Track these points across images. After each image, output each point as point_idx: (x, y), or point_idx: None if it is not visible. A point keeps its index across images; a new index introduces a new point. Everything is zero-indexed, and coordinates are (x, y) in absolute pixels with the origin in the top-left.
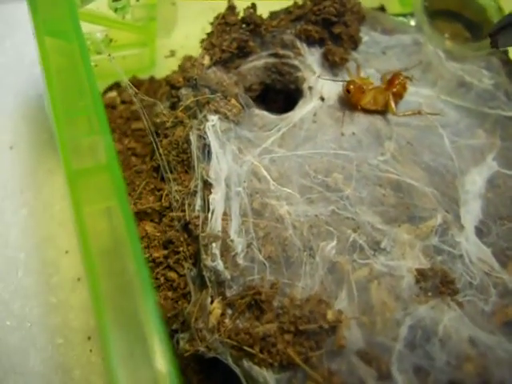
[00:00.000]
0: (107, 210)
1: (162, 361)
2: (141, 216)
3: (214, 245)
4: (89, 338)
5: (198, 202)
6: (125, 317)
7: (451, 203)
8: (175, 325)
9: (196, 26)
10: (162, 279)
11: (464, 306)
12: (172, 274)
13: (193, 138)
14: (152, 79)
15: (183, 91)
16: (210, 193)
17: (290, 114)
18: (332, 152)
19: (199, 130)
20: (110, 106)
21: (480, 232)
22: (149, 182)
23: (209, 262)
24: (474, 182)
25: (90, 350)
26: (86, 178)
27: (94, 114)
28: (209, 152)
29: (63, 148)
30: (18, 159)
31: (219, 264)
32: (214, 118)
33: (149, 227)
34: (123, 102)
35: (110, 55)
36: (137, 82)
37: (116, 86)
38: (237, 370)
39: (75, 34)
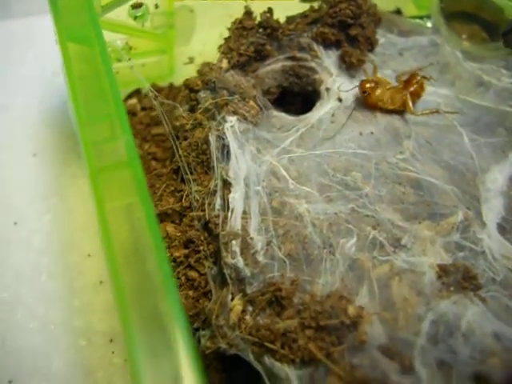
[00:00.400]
0: (129, 207)
1: (186, 360)
2: (162, 217)
3: (233, 242)
4: (111, 341)
5: (218, 201)
6: (149, 316)
7: (472, 200)
8: (196, 323)
9: (214, 33)
10: (183, 278)
11: (487, 302)
12: (193, 274)
13: (212, 138)
14: (171, 86)
15: (202, 94)
16: (230, 192)
17: (308, 115)
18: (351, 151)
19: (218, 130)
20: (131, 113)
21: (502, 229)
22: (169, 185)
23: (229, 260)
24: (496, 179)
25: (113, 352)
26: (108, 174)
27: (115, 115)
28: (228, 152)
29: (86, 147)
30: (42, 166)
31: (239, 261)
32: (232, 119)
33: (170, 228)
34: (143, 109)
35: (130, 59)
36: (156, 89)
37: (136, 93)
38: (258, 368)
39: (97, 40)
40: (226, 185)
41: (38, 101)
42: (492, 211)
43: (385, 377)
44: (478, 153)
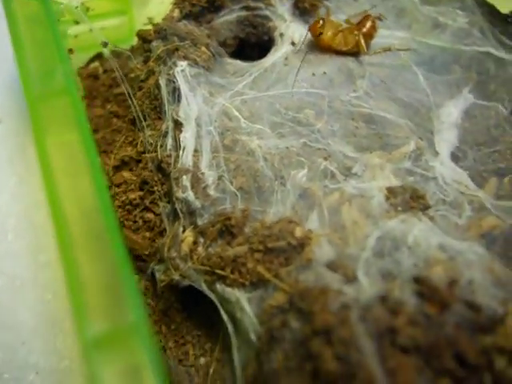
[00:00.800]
0: (69, 141)
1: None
2: (120, 167)
3: (184, 177)
4: None
5: (170, 141)
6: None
7: (426, 133)
8: (154, 262)
9: None
10: (140, 221)
11: (436, 219)
12: (149, 215)
13: (162, 82)
14: (132, 49)
15: (154, 43)
16: (181, 132)
17: (261, 60)
18: (303, 91)
19: (168, 75)
20: (93, 76)
21: (456, 157)
22: (127, 136)
23: (180, 194)
24: (450, 113)
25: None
26: (46, 104)
27: (53, 44)
28: (179, 95)
29: (23, 77)
30: (7, 132)
31: (190, 195)
32: (183, 64)
33: (126, 173)
34: (105, 71)
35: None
36: (117, 53)
37: (98, 57)
38: (211, 296)
39: None
40: (178, 125)
41: (1, 67)
42: (445, 141)
43: (327, 287)
44: (433, 90)
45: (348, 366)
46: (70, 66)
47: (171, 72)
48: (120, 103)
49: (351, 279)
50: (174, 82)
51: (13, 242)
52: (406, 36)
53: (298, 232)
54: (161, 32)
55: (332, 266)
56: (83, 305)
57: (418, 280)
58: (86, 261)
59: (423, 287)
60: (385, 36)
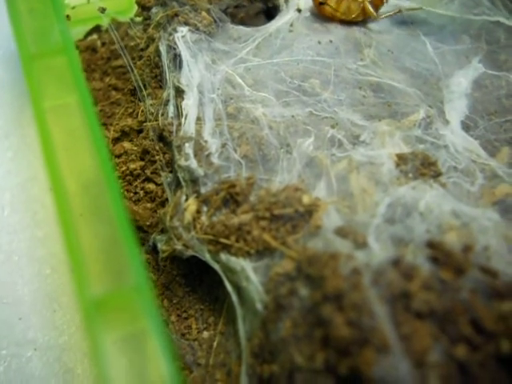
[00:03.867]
0: (68, 104)
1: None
2: (121, 138)
3: (187, 145)
4: None
5: (171, 109)
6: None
7: (435, 101)
8: (155, 234)
9: None
10: (141, 193)
11: (448, 186)
12: (150, 186)
13: (162, 49)
14: (132, 21)
15: (153, 10)
16: (183, 100)
17: (266, 25)
18: (309, 59)
19: (169, 41)
20: (91, 49)
21: (466, 126)
22: (127, 108)
23: (182, 162)
24: (460, 83)
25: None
26: (42, 62)
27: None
28: (180, 62)
29: (19, 36)
30: (2, 107)
31: (193, 162)
32: (183, 30)
33: (126, 144)
34: (103, 44)
35: None
36: (116, 25)
37: (96, 29)
38: (215, 267)
39: None
40: (179, 93)
41: None
42: (455, 110)
43: (337, 252)
44: (442, 59)
45: (360, 331)
46: (66, 25)
47: (171, 38)
48: (119, 76)
49: (362, 245)
50: (174, 48)
51: (9, 217)
52: (414, 5)
53: (306, 199)
54: None
55: (341, 232)
56: (84, 269)
57: (431, 245)
58: (88, 229)
59: (437, 252)
60: (393, 5)
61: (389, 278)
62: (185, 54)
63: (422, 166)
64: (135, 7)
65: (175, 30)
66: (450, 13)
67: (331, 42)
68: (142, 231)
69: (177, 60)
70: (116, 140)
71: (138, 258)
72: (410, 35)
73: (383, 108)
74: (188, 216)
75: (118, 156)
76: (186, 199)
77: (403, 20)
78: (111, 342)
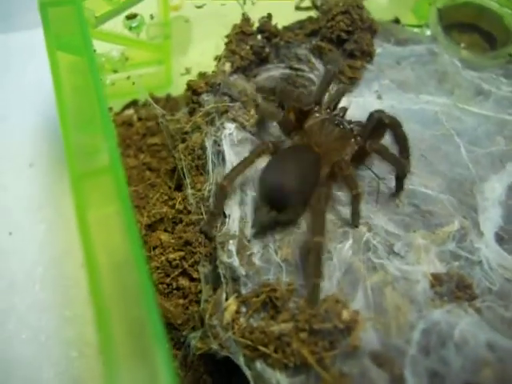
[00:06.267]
0: (110, 215)
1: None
2: (155, 227)
3: (230, 242)
4: None
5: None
6: (126, 322)
7: (469, 210)
8: (186, 330)
9: (210, 43)
10: (174, 285)
11: (482, 312)
12: (184, 282)
13: (208, 144)
14: (169, 97)
15: (205, 97)
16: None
17: None
18: None
19: (216, 136)
20: (127, 124)
21: (500, 239)
22: (162, 194)
23: (225, 258)
24: (494, 189)
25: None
26: (90, 181)
27: (99, 121)
28: (223, 159)
29: (69, 152)
30: (38, 176)
31: (235, 260)
32: (231, 127)
33: (163, 236)
34: (139, 119)
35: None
36: (154, 100)
37: (133, 104)
38: (248, 373)
39: (85, 49)
40: None
41: (35, 112)
42: (490, 221)
43: None
44: (476, 163)
45: None
46: (115, 141)
47: (219, 134)
48: (154, 154)
49: (397, 379)
50: (219, 145)
51: (39, 293)
52: (448, 102)
53: (345, 314)
54: (213, 86)
55: (378, 360)
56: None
57: None
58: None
59: None
60: (427, 101)
61: None
62: (228, 153)
63: (457, 289)
64: (174, 83)
65: (223, 126)
66: (484, 111)
67: None
68: (173, 328)
69: (220, 156)
70: (149, 226)
71: (165, 351)
72: (443, 135)
73: (417, 218)
74: (227, 316)
75: (154, 248)
76: (227, 298)
77: (436, 118)
78: None
